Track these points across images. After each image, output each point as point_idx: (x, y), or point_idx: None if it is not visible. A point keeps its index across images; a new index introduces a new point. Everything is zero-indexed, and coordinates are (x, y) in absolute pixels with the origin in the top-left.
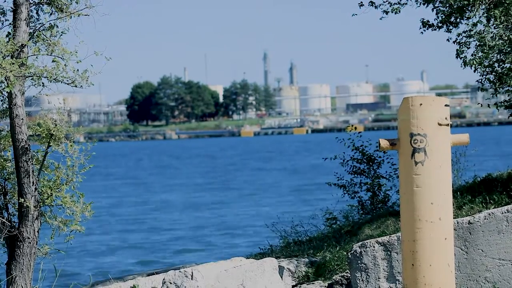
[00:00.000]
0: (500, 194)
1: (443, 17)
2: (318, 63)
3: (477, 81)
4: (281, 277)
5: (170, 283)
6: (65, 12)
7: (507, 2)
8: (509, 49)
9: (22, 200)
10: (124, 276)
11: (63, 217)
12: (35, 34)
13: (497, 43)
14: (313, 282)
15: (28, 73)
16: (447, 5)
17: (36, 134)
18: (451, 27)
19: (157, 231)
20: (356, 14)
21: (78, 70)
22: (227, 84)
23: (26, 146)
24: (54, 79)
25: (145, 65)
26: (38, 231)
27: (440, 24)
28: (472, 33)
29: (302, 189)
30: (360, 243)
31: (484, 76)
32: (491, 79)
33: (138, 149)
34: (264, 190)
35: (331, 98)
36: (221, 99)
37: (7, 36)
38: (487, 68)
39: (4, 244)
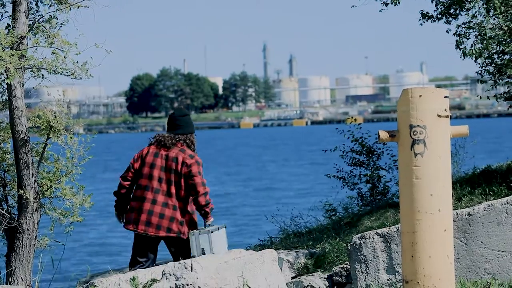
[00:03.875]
0: (500, 186)
1: (443, 8)
2: (318, 55)
3: (476, 72)
4: (281, 269)
5: (170, 275)
6: (65, 3)
7: None
8: (508, 40)
9: (22, 192)
10: (124, 268)
11: (62, 209)
12: (34, 26)
13: (497, 33)
14: (313, 273)
15: (28, 65)
16: None
17: (36, 126)
18: (450, 19)
19: None
20: (355, 6)
21: (77, 62)
22: (227, 76)
23: (25, 138)
24: (54, 71)
25: (144, 57)
26: (37, 223)
27: (439, 16)
28: (471, 24)
29: None
30: (360, 234)
31: (483, 68)
32: (491, 71)
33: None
34: None
35: (331, 90)
36: (220, 91)
37: (6, 28)
38: (486, 60)
39: (4, 236)
